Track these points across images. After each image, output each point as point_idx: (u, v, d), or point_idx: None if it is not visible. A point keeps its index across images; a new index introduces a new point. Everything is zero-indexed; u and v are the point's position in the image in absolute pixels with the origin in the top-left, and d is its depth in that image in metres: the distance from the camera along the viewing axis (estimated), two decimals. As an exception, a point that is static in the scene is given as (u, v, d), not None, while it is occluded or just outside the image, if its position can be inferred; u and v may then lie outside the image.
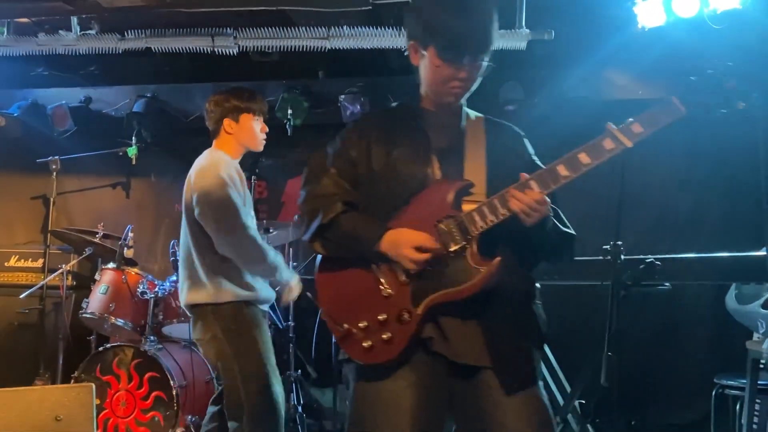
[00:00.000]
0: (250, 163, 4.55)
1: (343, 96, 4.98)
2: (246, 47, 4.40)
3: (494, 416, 1.76)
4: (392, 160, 1.87)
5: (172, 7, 3.13)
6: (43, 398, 1.66)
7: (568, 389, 3.07)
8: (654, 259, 2.62)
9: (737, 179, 4.66)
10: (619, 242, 2.47)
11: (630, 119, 1.78)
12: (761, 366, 3.06)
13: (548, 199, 1.76)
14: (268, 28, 4.24)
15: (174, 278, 4.29)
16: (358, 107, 4.93)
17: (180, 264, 3.14)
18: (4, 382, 3.71)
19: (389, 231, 1.80)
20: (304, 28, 4.17)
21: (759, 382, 3.11)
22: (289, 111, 4.95)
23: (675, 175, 4.81)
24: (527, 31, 3.99)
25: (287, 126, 4.96)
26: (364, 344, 1.79)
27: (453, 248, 1.76)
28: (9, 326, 5.18)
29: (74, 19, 4.30)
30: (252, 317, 3.02)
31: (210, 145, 3.22)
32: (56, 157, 5.21)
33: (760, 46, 3.71)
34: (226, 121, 3.13)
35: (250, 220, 3.04)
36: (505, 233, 1.80)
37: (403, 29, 4.08)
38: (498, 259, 1.74)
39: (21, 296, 4.78)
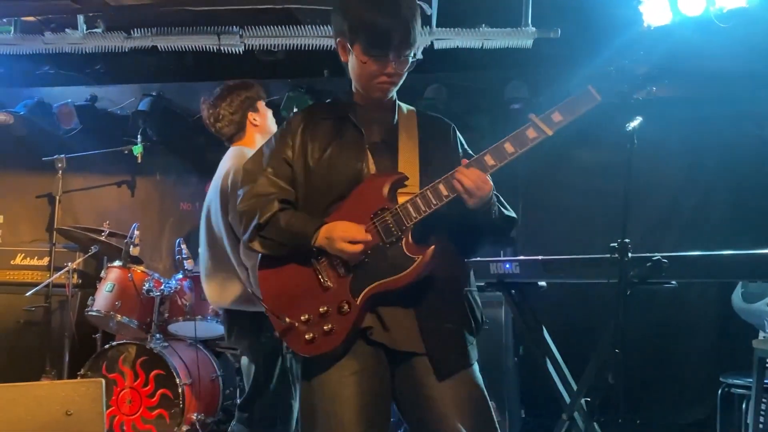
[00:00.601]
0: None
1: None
2: (251, 45, 4.41)
3: (429, 400, 1.85)
4: (327, 156, 1.92)
5: (179, 5, 3.14)
6: (53, 393, 1.66)
7: (574, 387, 3.06)
8: (661, 257, 2.61)
9: (743, 176, 4.66)
10: (627, 240, 2.46)
11: (551, 109, 1.86)
12: (767, 365, 3.06)
13: (491, 182, 1.84)
14: (274, 27, 4.24)
15: (180, 275, 4.30)
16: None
17: (214, 263, 3.00)
18: (11, 380, 3.71)
19: (324, 226, 1.85)
20: (309, 27, 4.17)
21: (765, 381, 3.11)
22: (294, 109, 4.96)
23: (680, 172, 4.81)
24: (533, 29, 4.00)
25: (292, 124, 4.98)
26: (306, 336, 1.84)
27: (388, 240, 1.83)
28: (15, 324, 5.20)
29: (81, 18, 4.31)
30: None
31: (218, 145, 3.21)
32: (62, 155, 5.23)
33: (766, 44, 3.70)
34: (251, 115, 3.09)
35: None
36: (442, 222, 1.89)
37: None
38: (431, 248, 1.81)
39: (27, 294, 4.80)
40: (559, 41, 4.15)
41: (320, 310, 1.84)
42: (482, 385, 1.92)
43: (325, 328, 1.83)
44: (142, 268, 4.35)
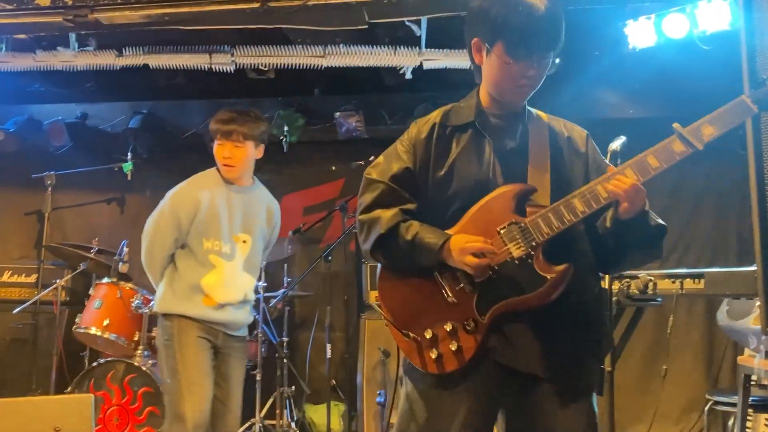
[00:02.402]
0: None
1: (338, 113, 5.02)
2: (242, 64, 4.45)
3: (545, 426, 1.78)
4: (452, 165, 1.84)
5: (171, 24, 3.17)
6: (42, 409, 1.67)
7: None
8: (646, 274, 2.65)
9: (728, 195, 4.73)
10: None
11: (699, 121, 1.73)
12: (752, 382, 3.09)
13: (644, 189, 1.72)
14: (265, 46, 4.29)
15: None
16: (354, 124, 4.98)
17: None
18: (-3, 398, 3.71)
19: (450, 239, 1.76)
20: (300, 47, 4.21)
21: (750, 398, 3.14)
22: (285, 128, 5.00)
23: (666, 191, 4.87)
24: (520, 50, 4.05)
25: (283, 143, 5.01)
26: (432, 354, 1.78)
27: (516, 255, 1.73)
28: (2, 341, 5.16)
29: (72, 36, 4.33)
30: None
31: (208, 163, 3.26)
32: (51, 172, 5.21)
33: (748, 66, 3.77)
34: None
35: None
36: (577, 237, 1.80)
37: (396, 48, 4.15)
38: (565, 266, 1.71)
39: (14, 311, 4.77)
40: (546, 62, 4.21)
41: (445, 327, 1.78)
42: (596, 418, 1.84)
43: (451, 347, 1.76)
44: (130, 285, 4.34)
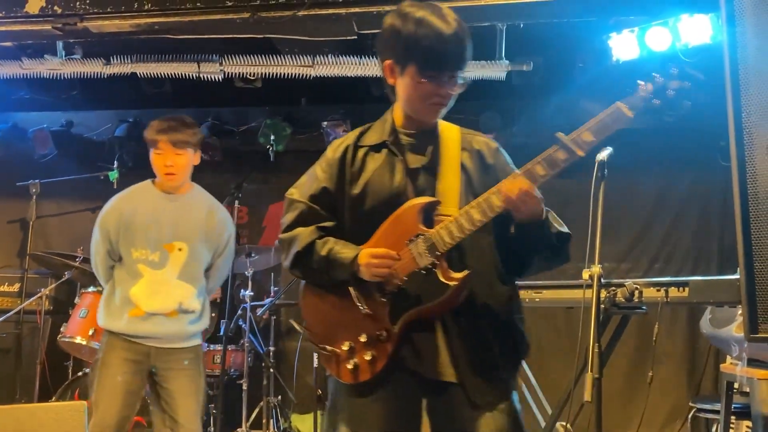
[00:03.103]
0: (233, 187, 4.59)
1: (325, 122, 5.05)
2: (230, 73, 4.46)
3: (462, 430, 1.84)
4: (367, 184, 1.93)
5: (161, 34, 3.18)
6: (36, 416, 1.66)
7: (549, 410, 3.11)
8: (632, 282, 2.69)
9: (711, 204, 4.81)
10: (600, 265, 2.53)
11: (580, 128, 1.80)
12: (734, 389, 3.13)
13: (539, 194, 1.80)
14: (253, 56, 4.30)
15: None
16: (341, 133, 5.00)
17: None
18: (-21, 407, 3.66)
19: (361, 252, 1.86)
20: (290, 56, 4.23)
21: (733, 405, 3.18)
22: (272, 137, 5.01)
23: (650, 200, 4.95)
24: (506, 62, 4.11)
25: (270, 152, 5.03)
26: (348, 366, 1.88)
27: (422, 265, 1.83)
28: (-16, 351, 5.12)
29: (60, 44, 4.32)
30: None
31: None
32: (36, 180, 5.19)
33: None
34: None
35: None
36: (485, 245, 1.90)
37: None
38: (465, 273, 1.80)
39: (-3, 321, 4.74)
40: (531, 73, 4.28)
41: (360, 338, 1.87)
42: (519, 417, 1.91)
43: (366, 357, 1.86)
44: (117, 294, 4.31)
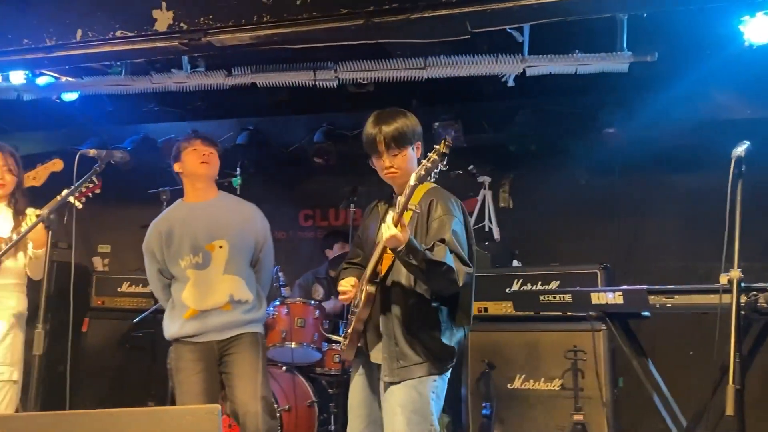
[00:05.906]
0: (348, 191, 4.66)
1: (437, 123, 5.03)
2: (344, 79, 4.52)
3: (382, 399, 2.64)
4: (364, 231, 2.90)
5: (279, 44, 3.27)
6: (173, 418, 1.74)
7: (683, 422, 2.94)
8: (774, 286, 2.49)
9: None
10: (740, 269, 2.37)
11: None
12: None
13: (400, 234, 2.38)
14: (366, 61, 4.34)
15: (277, 302, 4.43)
16: (453, 133, 4.98)
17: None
18: (117, 404, 3.88)
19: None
20: (401, 59, 4.24)
21: None
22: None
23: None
24: (629, 53, 3.92)
25: (383, 154, 5.05)
26: (344, 349, 2.84)
27: (369, 291, 2.64)
28: (122, 349, 5.45)
29: (185, 58, 4.54)
30: None
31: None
32: (166, 188, 5.46)
33: None
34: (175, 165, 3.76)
35: None
36: (401, 274, 2.63)
37: (497, 56, 4.12)
38: (367, 288, 2.63)
39: (134, 321, 5.03)
40: (656, 63, 4.06)
41: (349, 331, 2.76)
42: (418, 395, 2.58)
43: (351, 344, 2.79)
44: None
